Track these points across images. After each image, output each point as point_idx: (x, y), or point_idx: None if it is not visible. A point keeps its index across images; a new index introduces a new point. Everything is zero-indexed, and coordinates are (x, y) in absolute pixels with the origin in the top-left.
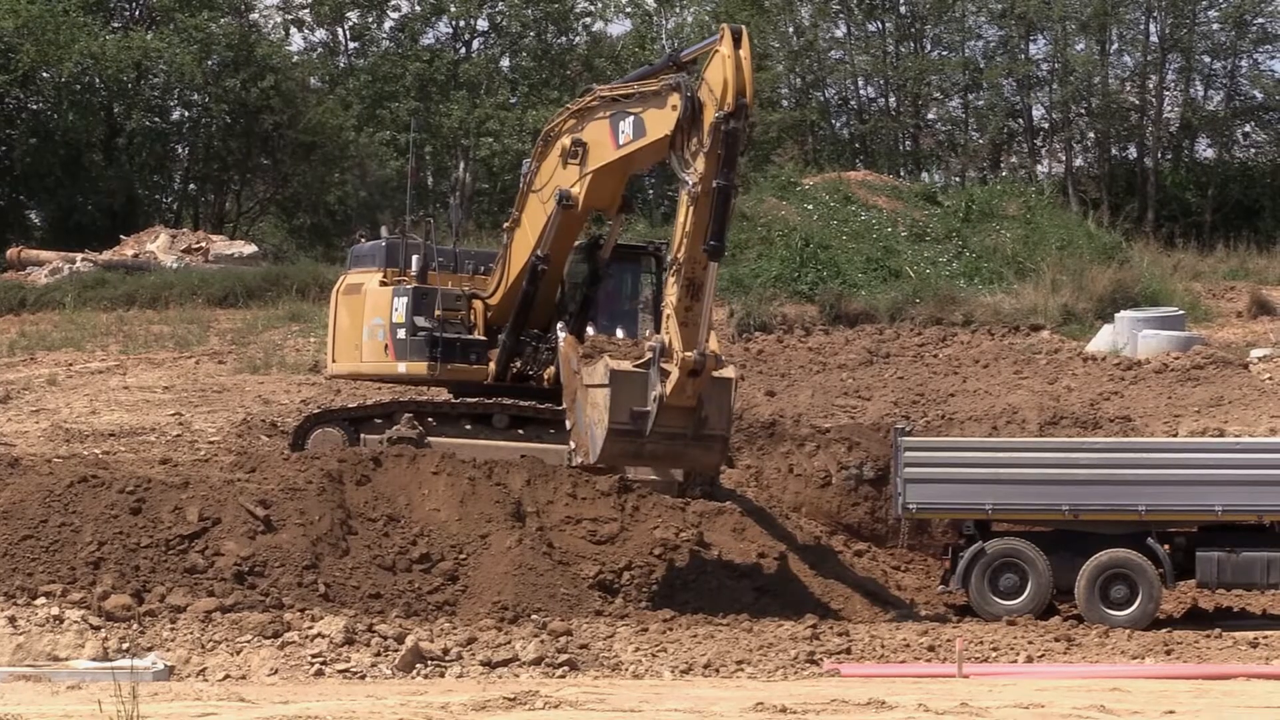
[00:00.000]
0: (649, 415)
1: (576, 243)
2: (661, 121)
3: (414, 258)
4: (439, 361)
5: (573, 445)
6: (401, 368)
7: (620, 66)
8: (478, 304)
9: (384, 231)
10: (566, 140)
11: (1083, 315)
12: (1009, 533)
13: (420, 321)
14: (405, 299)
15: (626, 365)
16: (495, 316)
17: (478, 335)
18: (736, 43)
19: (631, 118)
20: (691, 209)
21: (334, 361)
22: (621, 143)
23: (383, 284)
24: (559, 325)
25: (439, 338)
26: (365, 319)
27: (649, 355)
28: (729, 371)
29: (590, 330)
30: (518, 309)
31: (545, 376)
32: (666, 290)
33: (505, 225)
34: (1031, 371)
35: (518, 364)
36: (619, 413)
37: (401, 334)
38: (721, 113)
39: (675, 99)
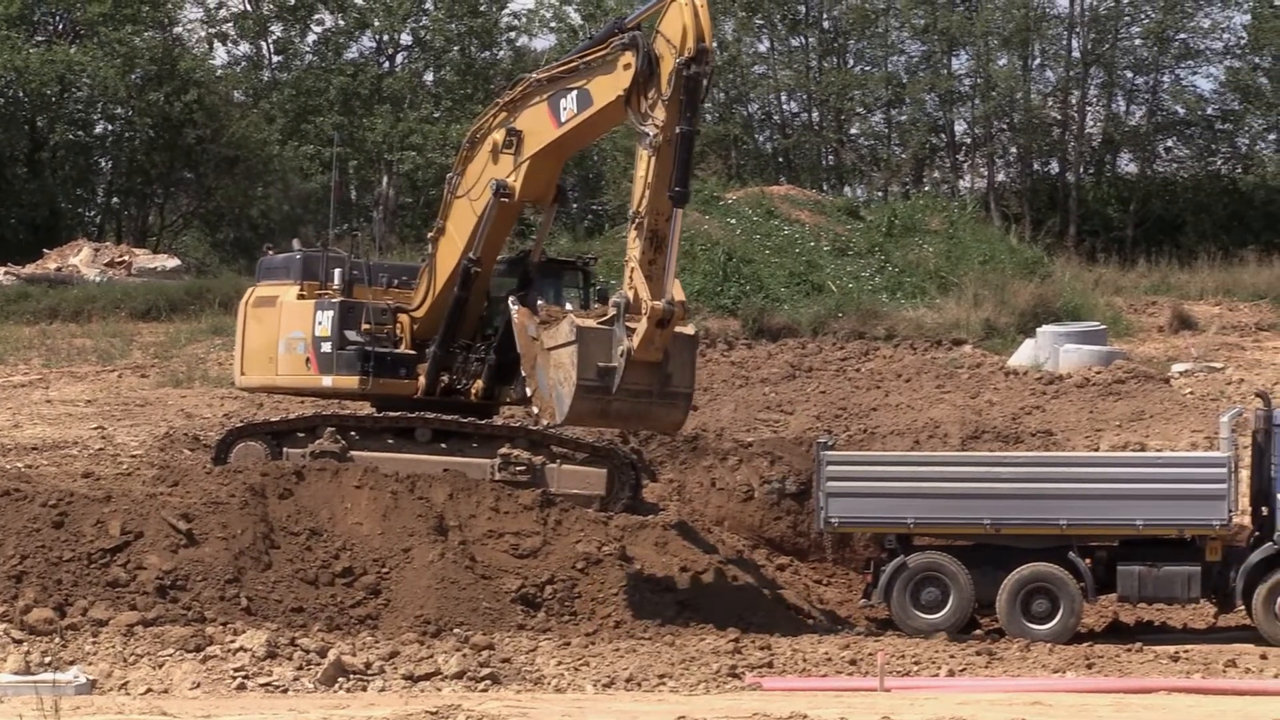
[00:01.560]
0: (616, 371)
1: (501, 255)
2: (611, 85)
3: (335, 271)
4: (371, 376)
5: (536, 410)
6: (327, 381)
7: None
8: (404, 318)
9: (296, 244)
10: (498, 135)
11: (1005, 330)
12: (931, 547)
13: (352, 336)
14: (331, 313)
15: (591, 322)
16: (421, 330)
17: (404, 349)
18: None
19: (574, 92)
20: (653, 159)
21: (243, 374)
22: (564, 119)
23: (301, 297)
24: (511, 299)
25: (371, 352)
26: (281, 332)
27: (613, 312)
28: (690, 328)
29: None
30: (448, 318)
31: (473, 390)
32: (629, 245)
33: (430, 235)
34: (954, 386)
35: (447, 377)
36: (586, 370)
37: (327, 348)
38: (682, 58)
39: (628, 57)
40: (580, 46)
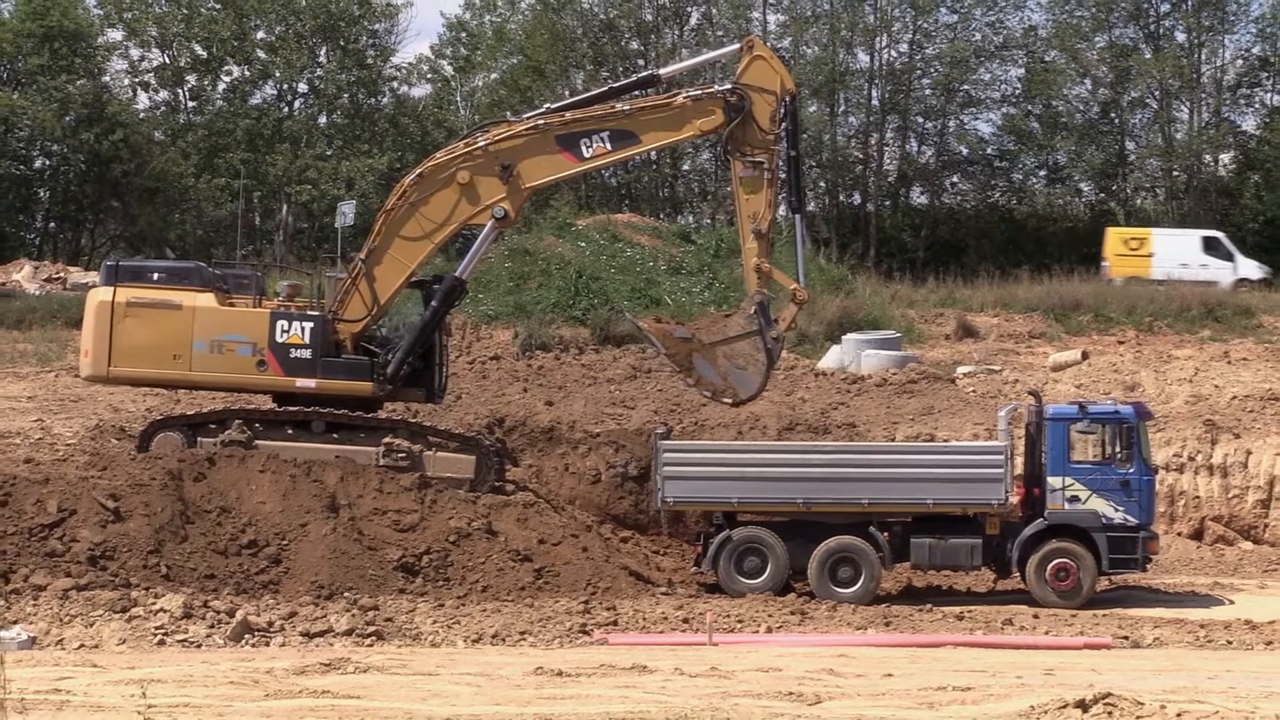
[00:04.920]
0: (775, 351)
1: (414, 278)
2: (674, 130)
3: (283, 285)
4: (384, 382)
5: (708, 394)
6: (307, 383)
7: (422, 124)
8: (343, 326)
9: (169, 253)
10: (477, 174)
11: (815, 337)
12: (752, 522)
13: (366, 345)
14: (310, 324)
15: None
16: (355, 341)
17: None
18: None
19: (606, 133)
20: (767, 183)
21: (114, 366)
22: (589, 155)
23: (232, 304)
24: (627, 309)
25: (375, 362)
26: (197, 333)
27: (754, 308)
28: None
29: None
30: (422, 330)
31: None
32: (752, 254)
33: (361, 256)
34: (771, 385)
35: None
36: (771, 354)
37: (304, 354)
38: (787, 98)
39: (710, 106)
40: (591, 95)
